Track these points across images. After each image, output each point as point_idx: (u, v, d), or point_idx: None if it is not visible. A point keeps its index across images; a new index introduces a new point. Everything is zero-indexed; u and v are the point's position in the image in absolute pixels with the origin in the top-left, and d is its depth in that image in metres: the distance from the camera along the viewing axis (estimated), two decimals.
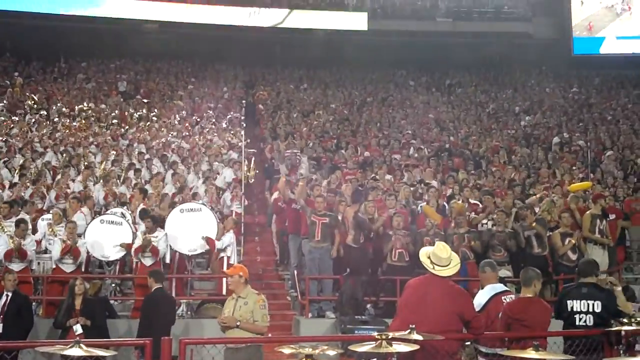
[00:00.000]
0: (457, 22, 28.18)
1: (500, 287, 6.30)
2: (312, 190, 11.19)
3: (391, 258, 10.25)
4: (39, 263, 10.20)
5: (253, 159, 16.19)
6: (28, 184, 12.98)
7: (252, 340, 6.38)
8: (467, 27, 27.92)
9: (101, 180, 13.24)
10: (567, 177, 14.32)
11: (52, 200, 12.16)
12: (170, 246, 10.41)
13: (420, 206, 11.77)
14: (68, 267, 9.82)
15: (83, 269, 10.09)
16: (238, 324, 6.34)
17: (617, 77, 28.14)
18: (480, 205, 12.02)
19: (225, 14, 27.01)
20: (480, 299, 6.18)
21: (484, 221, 11.33)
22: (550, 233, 10.89)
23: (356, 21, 27.70)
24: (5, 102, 20.26)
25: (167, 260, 10.46)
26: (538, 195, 12.44)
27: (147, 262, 10.00)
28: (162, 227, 10.40)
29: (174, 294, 9.86)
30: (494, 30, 27.74)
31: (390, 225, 10.46)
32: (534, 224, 10.61)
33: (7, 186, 12.73)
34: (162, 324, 7.82)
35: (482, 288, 6.42)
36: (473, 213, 11.55)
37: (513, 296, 6.13)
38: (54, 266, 9.98)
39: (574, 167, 15.71)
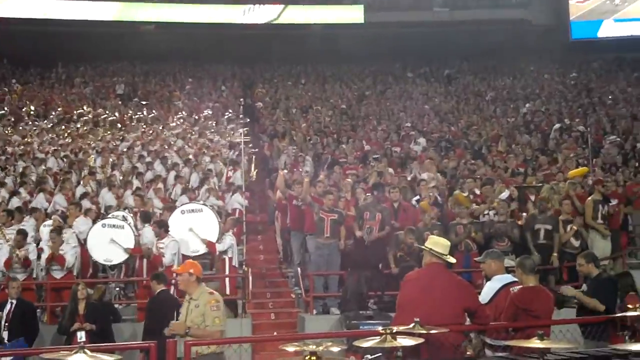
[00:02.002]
0: (454, 11, 28.11)
1: (508, 277, 6.15)
2: (316, 187, 11.16)
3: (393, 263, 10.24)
4: (41, 269, 10.20)
5: (254, 157, 16.17)
6: (29, 190, 12.98)
7: (252, 340, 6.33)
8: (464, 16, 27.84)
9: (105, 185, 13.22)
10: (569, 163, 14.27)
11: (60, 205, 12.11)
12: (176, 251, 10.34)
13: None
14: (57, 273, 9.78)
15: (76, 272, 10.05)
16: (187, 331, 5.75)
17: (615, 60, 28.08)
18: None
19: (220, 13, 27.01)
20: (489, 290, 6.09)
21: (486, 211, 11.31)
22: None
23: (352, 14, 27.63)
24: (4, 109, 20.26)
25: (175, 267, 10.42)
26: (549, 185, 12.38)
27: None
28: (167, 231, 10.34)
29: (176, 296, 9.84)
30: (492, 18, 27.65)
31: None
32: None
33: (8, 194, 12.71)
34: (166, 326, 7.81)
35: (487, 279, 6.36)
36: (474, 204, 11.53)
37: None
38: (43, 271, 9.98)
39: (574, 153, 15.65)
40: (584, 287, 6.95)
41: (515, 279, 6.10)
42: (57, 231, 9.85)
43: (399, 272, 9.05)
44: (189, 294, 6.05)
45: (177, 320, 6.17)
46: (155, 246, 9.97)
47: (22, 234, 9.85)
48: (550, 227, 10.59)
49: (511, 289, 5.99)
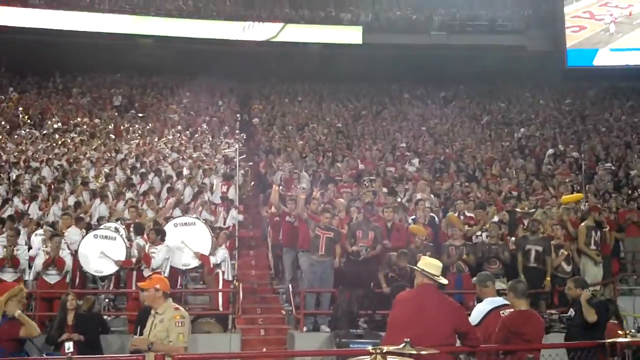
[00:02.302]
0: (452, 35, 28.31)
1: (500, 300, 6.19)
2: (310, 204, 11.16)
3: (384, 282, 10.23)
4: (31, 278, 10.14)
5: (249, 172, 16.17)
6: (23, 198, 12.94)
7: (245, 356, 6.30)
8: (461, 40, 28.03)
9: (98, 195, 13.18)
10: (562, 189, 14.34)
11: (56, 215, 12.07)
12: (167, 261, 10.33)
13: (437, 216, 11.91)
14: (52, 277, 9.70)
15: (69, 279, 10.00)
16: (150, 346, 5.60)
17: (610, 88, 28.31)
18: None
19: (219, 29, 27.13)
20: (479, 312, 6.12)
21: (478, 233, 11.34)
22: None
23: (351, 35, 27.84)
24: (0, 117, 20.25)
25: (166, 274, 10.37)
26: (542, 210, 12.44)
27: (145, 273, 9.87)
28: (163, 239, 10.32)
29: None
30: (488, 43, 27.87)
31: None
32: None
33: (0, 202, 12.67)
34: None
35: (480, 301, 6.38)
36: (467, 226, 11.56)
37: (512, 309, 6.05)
38: (33, 278, 9.88)
39: (568, 179, 15.75)
40: (571, 311, 6.98)
41: (506, 302, 6.11)
42: (58, 235, 9.82)
43: (390, 291, 9.04)
44: (154, 309, 5.94)
45: (140, 335, 6.07)
46: (146, 250, 9.91)
47: (15, 231, 9.80)
48: (541, 249, 10.60)
49: (501, 312, 6.00)
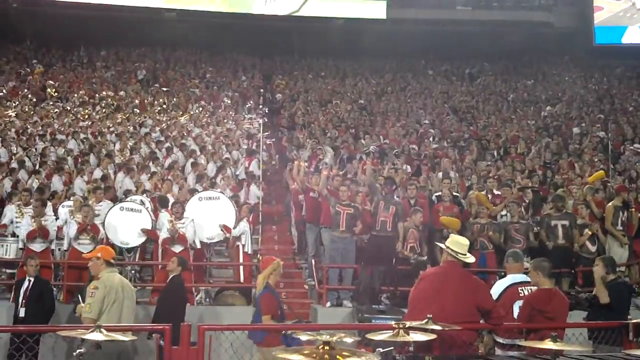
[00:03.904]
0: (477, 11, 27.90)
1: (521, 277, 6.15)
2: (333, 180, 11.17)
3: (403, 252, 10.24)
4: (59, 249, 10.32)
5: (270, 147, 16.20)
6: (49, 171, 13.11)
7: (273, 327, 6.35)
8: (487, 16, 27.62)
9: (122, 168, 13.33)
10: (587, 168, 14.18)
11: (81, 188, 12.23)
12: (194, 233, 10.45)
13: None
14: (85, 247, 9.56)
15: None
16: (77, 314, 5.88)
17: (639, 67, 27.74)
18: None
19: (241, 2, 26.99)
20: (497, 288, 6.12)
21: (503, 212, 11.30)
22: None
23: (375, 9, 27.51)
24: (25, 90, 20.46)
25: (198, 246, 10.49)
26: (562, 189, 12.33)
27: (177, 249, 9.94)
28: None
29: (192, 281, 9.93)
30: (514, 19, 27.43)
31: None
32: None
33: (27, 175, 12.86)
34: (180, 309, 7.90)
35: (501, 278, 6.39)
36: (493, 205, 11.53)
37: (534, 287, 5.97)
38: (66, 248, 10.01)
39: (594, 158, 15.56)
40: (595, 290, 6.95)
41: (527, 279, 6.10)
42: (88, 205, 9.94)
43: (412, 267, 9.06)
44: (95, 277, 6.08)
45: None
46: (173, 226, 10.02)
47: (41, 202, 9.93)
48: (567, 223, 10.46)
49: (519, 288, 5.99)
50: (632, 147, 16.99)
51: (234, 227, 10.57)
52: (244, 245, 10.70)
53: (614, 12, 27.74)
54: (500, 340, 5.92)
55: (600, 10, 27.70)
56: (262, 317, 6.68)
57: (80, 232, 9.71)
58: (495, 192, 12.17)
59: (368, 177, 10.85)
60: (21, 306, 8.43)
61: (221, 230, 10.54)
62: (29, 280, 8.58)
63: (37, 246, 9.63)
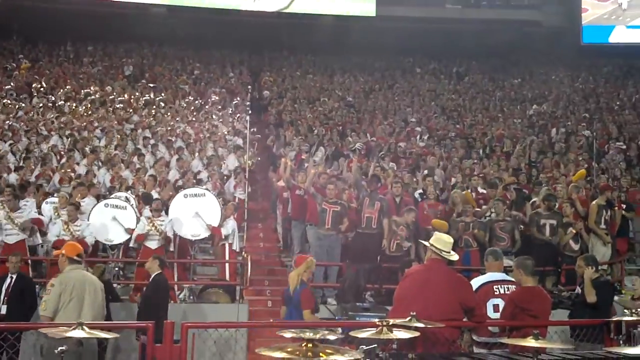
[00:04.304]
0: (466, 9, 27.95)
1: (499, 276, 6.16)
2: (320, 178, 11.16)
3: (389, 249, 10.25)
4: (42, 246, 10.24)
5: (256, 144, 16.14)
6: (33, 167, 13.00)
7: (249, 325, 6.35)
8: (475, 14, 27.68)
9: (107, 164, 13.25)
10: (572, 167, 14.26)
11: (56, 184, 12.18)
12: (174, 231, 10.44)
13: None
14: None
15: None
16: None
17: (625, 66, 27.94)
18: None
19: None
20: (474, 284, 6.09)
21: (488, 212, 11.35)
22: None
23: (364, 7, 27.48)
24: (11, 84, 20.27)
25: (172, 249, 10.48)
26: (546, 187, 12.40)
27: (153, 245, 9.99)
28: (166, 212, 10.44)
29: (175, 279, 9.89)
30: (503, 18, 27.51)
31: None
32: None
33: (12, 169, 12.74)
34: (163, 308, 7.87)
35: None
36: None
37: (512, 286, 5.99)
38: (52, 246, 9.88)
39: (578, 157, 15.65)
40: (578, 289, 6.99)
41: (506, 278, 6.11)
42: (75, 205, 9.91)
43: (399, 266, 9.07)
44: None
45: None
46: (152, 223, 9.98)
47: (14, 195, 9.86)
48: (555, 222, 10.59)
49: (494, 286, 6.00)
50: (615, 145, 17.04)
51: (220, 225, 10.52)
52: (231, 244, 10.69)
53: (599, 14, 27.89)
54: (475, 338, 5.93)
55: (590, 9, 27.86)
56: (302, 312, 6.79)
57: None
58: (480, 190, 12.21)
59: (354, 174, 10.85)
60: (2, 303, 8.36)
61: (209, 231, 10.51)
62: (11, 277, 8.51)
63: (10, 238, 9.58)
